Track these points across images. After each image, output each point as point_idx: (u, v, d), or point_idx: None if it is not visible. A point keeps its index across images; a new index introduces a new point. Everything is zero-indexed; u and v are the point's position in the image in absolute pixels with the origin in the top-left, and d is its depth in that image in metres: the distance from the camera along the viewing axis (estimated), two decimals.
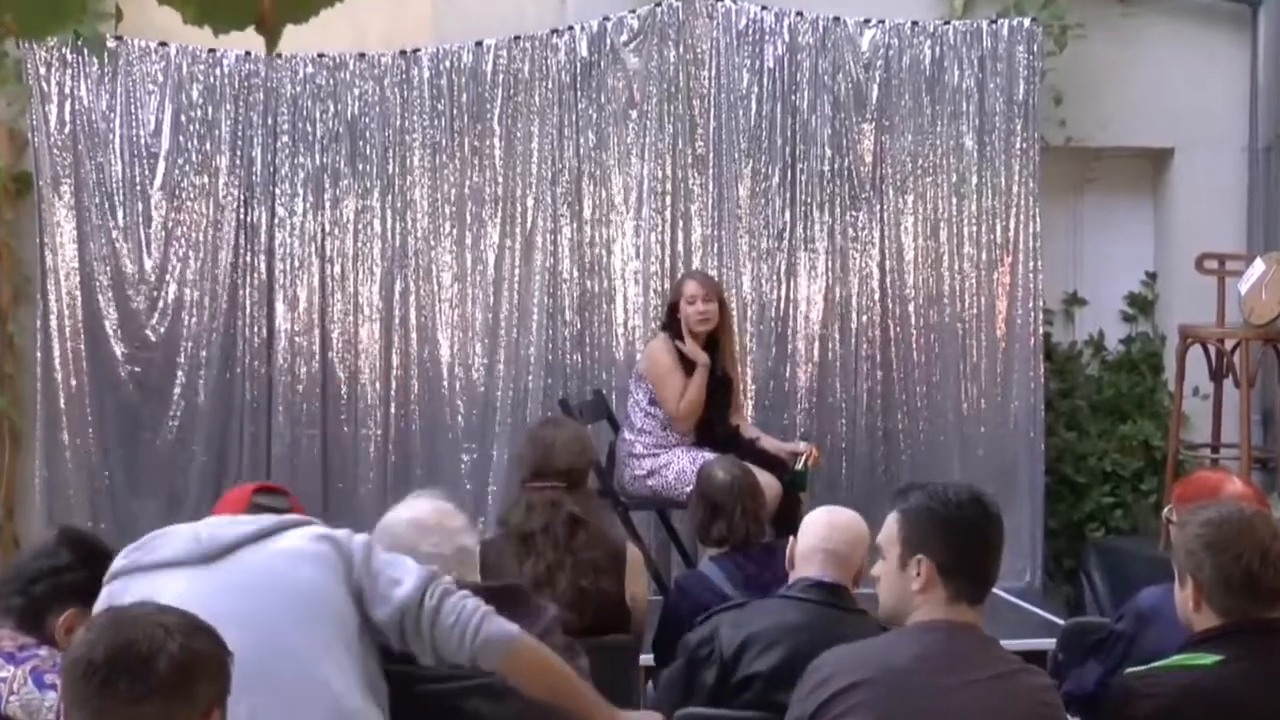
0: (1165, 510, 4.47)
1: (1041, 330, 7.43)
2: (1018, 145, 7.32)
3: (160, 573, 2.86)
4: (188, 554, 2.90)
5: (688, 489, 5.41)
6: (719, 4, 7.20)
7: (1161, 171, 8.06)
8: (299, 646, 2.81)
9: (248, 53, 7.07)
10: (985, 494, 3.06)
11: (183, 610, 2.30)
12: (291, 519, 3.09)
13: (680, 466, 6.08)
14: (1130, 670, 3.26)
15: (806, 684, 2.96)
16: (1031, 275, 7.33)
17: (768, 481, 5.59)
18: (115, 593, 2.84)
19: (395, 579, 2.96)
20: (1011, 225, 7.34)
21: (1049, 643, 5.18)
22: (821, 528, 3.87)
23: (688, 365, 6.23)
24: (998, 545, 3.01)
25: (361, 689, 2.84)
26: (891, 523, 3.03)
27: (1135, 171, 8.14)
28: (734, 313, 6.83)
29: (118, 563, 2.93)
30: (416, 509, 3.40)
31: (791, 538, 3.97)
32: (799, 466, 6.17)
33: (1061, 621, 5.70)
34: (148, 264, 7.07)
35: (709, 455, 5.83)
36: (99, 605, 2.77)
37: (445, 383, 7.19)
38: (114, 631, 2.19)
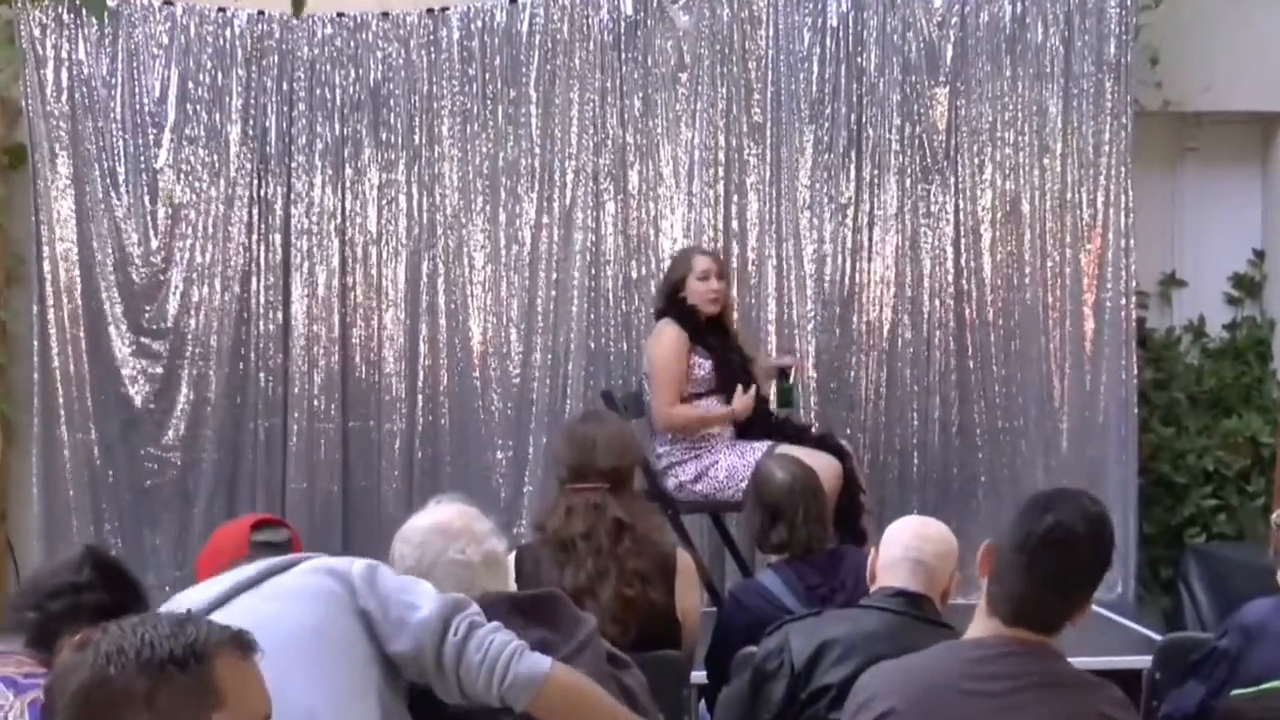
0: (1275, 514, 4.41)
1: (1135, 315, 7.37)
2: (1108, 110, 7.25)
3: None
4: None
5: (742, 486, 5.37)
6: None
7: (1270, 139, 7.97)
8: (314, 704, 2.73)
9: (261, 13, 7.09)
10: (1088, 509, 2.99)
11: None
12: (281, 561, 3.02)
13: (729, 464, 6.03)
14: (1238, 692, 3.22)
15: (850, 706, 2.98)
16: (1124, 254, 7.26)
17: (823, 464, 5.54)
18: None
19: (409, 603, 2.90)
20: (1101, 199, 7.28)
21: (1144, 660, 5.00)
22: (909, 537, 3.87)
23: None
24: (1077, 575, 2.95)
25: None
26: None
27: (1240, 139, 8.04)
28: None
29: None
30: (439, 514, 3.38)
31: (872, 549, 3.97)
32: (788, 382, 6.27)
33: (1158, 637, 5.60)
34: (153, 244, 7.09)
35: (756, 447, 5.83)
36: None
37: (477, 373, 7.18)
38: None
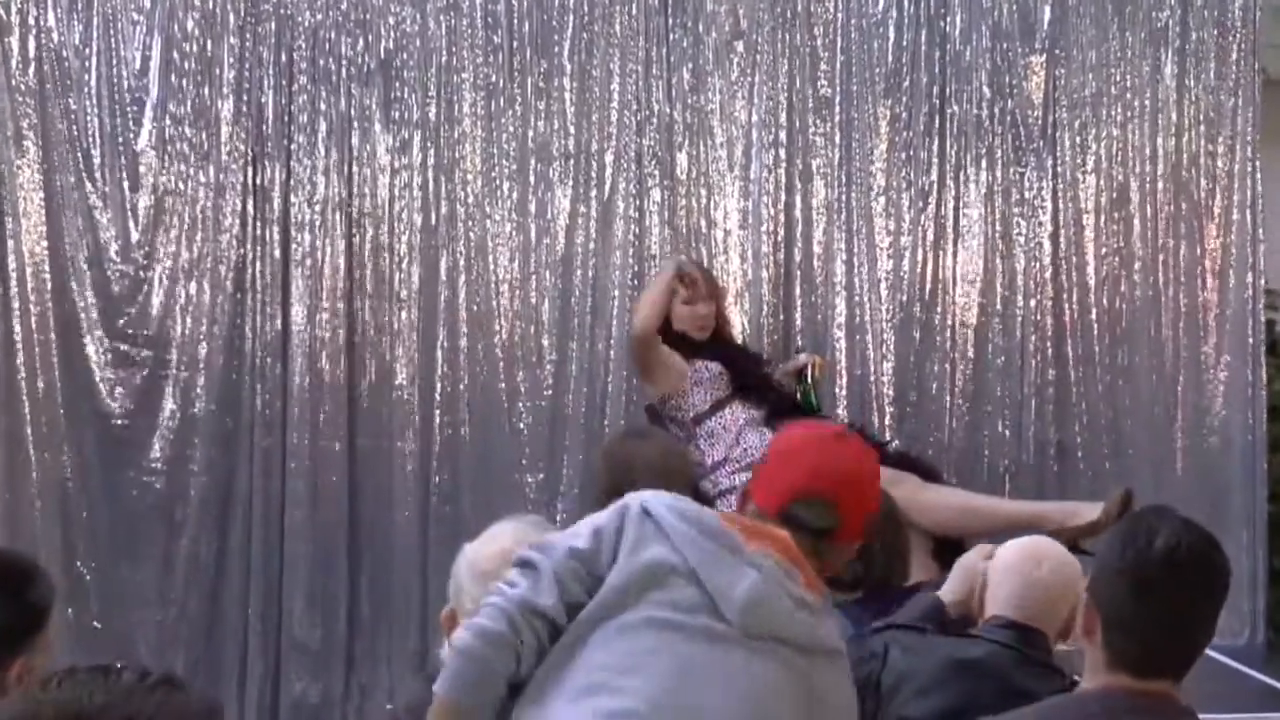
0: None
1: (1263, 317, 7.37)
2: (1231, 80, 7.27)
3: None
4: None
5: None
6: None
7: None
8: None
9: None
10: (1201, 539, 2.91)
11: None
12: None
13: None
14: None
15: None
16: (1249, 246, 7.26)
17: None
18: None
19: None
20: (1223, 183, 7.29)
21: (1276, 718, 5.21)
22: (1021, 561, 3.77)
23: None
24: (1191, 612, 2.88)
25: None
26: None
27: None
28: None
29: None
30: (501, 538, 3.28)
31: (980, 578, 3.88)
32: (807, 383, 6.29)
33: None
34: (133, 238, 6.95)
35: None
36: None
37: (503, 384, 7.06)
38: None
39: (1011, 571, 3.75)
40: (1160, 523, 2.86)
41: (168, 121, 6.96)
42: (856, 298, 7.14)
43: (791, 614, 2.76)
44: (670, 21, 7.11)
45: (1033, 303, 7.23)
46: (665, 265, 6.49)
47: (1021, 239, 7.23)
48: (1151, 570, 2.80)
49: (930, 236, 7.20)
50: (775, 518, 2.98)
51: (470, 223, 7.08)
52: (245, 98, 6.99)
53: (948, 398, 7.20)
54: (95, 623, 6.71)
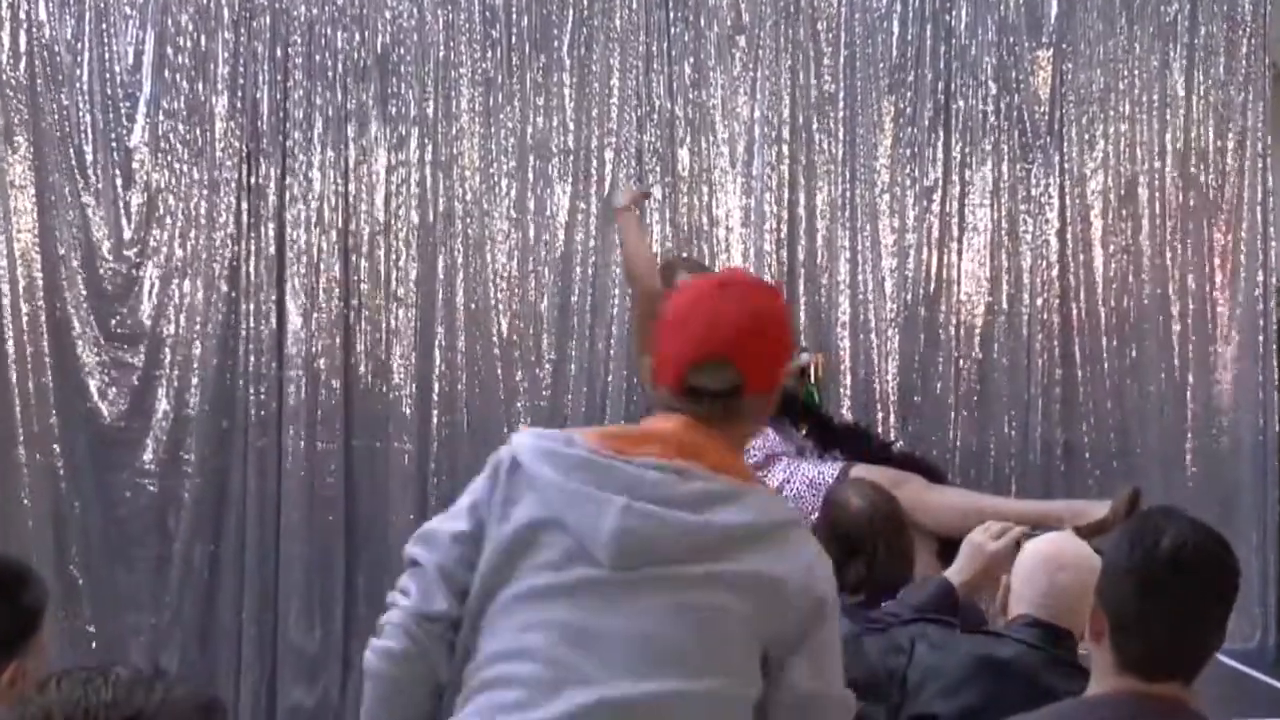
0: None
1: (1274, 315, 7.30)
2: (1241, 75, 7.24)
3: None
4: None
5: (812, 517, 5.13)
6: None
7: None
8: None
9: None
10: (1209, 539, 2.90)
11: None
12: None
13: (796, 490, 5.80)
14: None
15: None
16: (1260, 242, 7.22)
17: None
18: None
19: None
20: (1233, 178, 7.25)
21: None
22: (1046, 560, 3.77)
23: None
24: (1200, 612, 2.86)
25: None
26: None
27: None
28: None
29: None
30: None
31: (1005, 577, 3.87)
32: (809, 381, 6.24)
33: None
34: (125, 236, 6.96)
35: (825, 471, 5.73)
36: None
37: (501, 384, 7.05)
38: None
39: (1037, 571, 3.74)
40: (1168, 523, 2.85)
41: (161, 117, 6.97)
42: (860, 296, 7.13)
43: (676, 526, 2.68)
44: (671, 15, 7.09)
45: (1039, 301, 7.22)
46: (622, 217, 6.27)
47: (1028, 236, 7.22)
48: (1158, 571, 2.78)
49: (935, 234, 7.19)
50: (681, 393, 2.88)
51: (468, 220, 7.08)
52: (240, 93, 6.99)
53: (953, 397, 7.19)
54: (88, 626, 6.70)
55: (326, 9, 7.01)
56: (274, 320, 7.00)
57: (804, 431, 6.16)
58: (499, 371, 7.05)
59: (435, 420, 7.03)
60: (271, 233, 7.00)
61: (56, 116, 6.89)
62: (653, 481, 2.70)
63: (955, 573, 4.05)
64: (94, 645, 6.65)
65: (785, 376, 3.01)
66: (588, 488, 2.69)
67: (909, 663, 3.67)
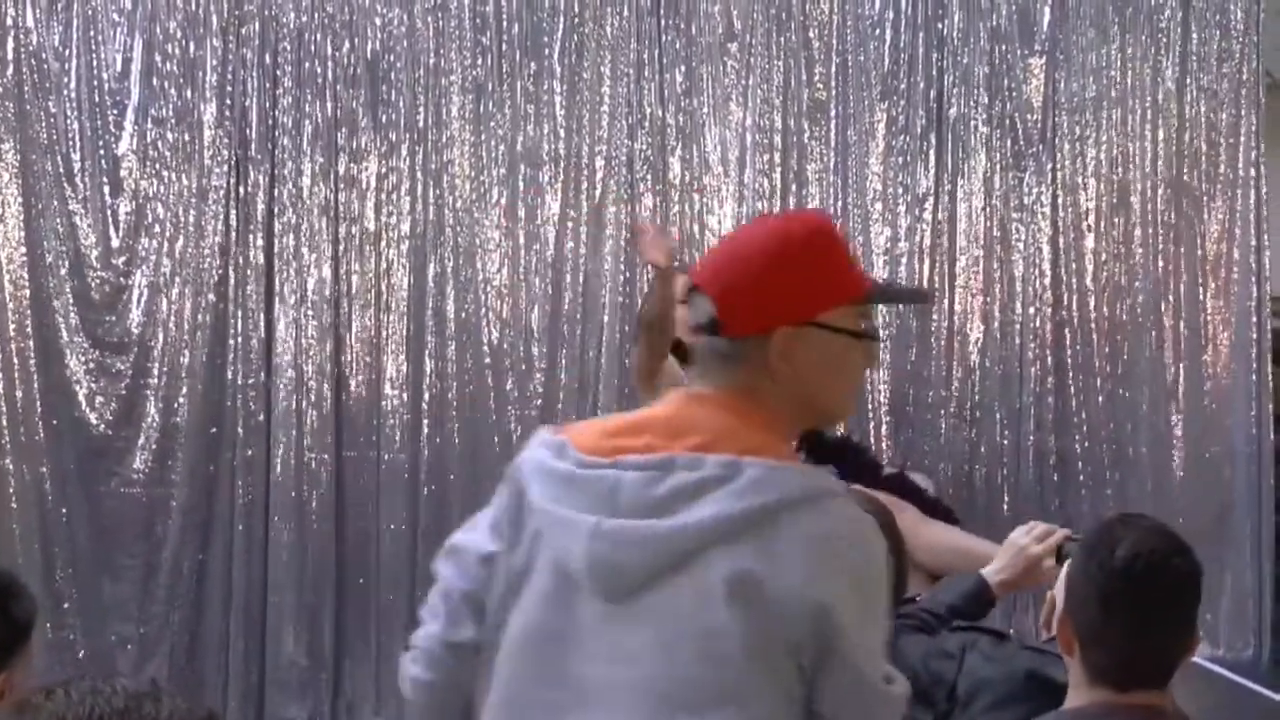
0: None
1: (1269, 325, 7.26)
2: (1236, 83, 7.22)
3: None
4: None
5: None
6: None
7: None
8: None
9: None
10: (1153, 523, 2.96)
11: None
12: None
13: None
14: None
15: None
16: (1253, 253, 7.19)
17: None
18: None
19: None
20: (1227, 188, 7.23)
21: None
22: None
23: None
24: (1160, 620, 2.87)
25: None
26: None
27: None
28: None
29: None
30: None
31: (1050, 594, 3.76)
32: None
33: None
34: (113, 244, 6.98)
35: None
36: None
37: (492, 394, 7.04)
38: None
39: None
40: (1125, 531, 2.86)
41: (149, 125, 6.99)
42: None
43: (646, 539, 2.38)
44: (662, 23, 7.09)
45: (1031, 309, 7.21)
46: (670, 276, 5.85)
47: (1020, 245, 7.21)
48: (1115, 582, 2.80)
49: (927, 242, 7.19)
50: (693, 329, 2.60)
51: (459, 228, 7.08)
52: (229, 101, 7.01)
53: (944, 407, 7.18)
54: (73, 636, 6.69)
55: (316, 16, 7.02)
56: (263, 329, 7.01)
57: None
58: (489, 380, 7.04)
59: (426, 429, 7.02)
60: (260, 241, 7.02)
61: (44, 124, 6.90)
62: (631, 484, 2.42)
63: (993, 571, 4.03)
64: (81, 655, 6.62)
65: (806, 322, 2.52)
66: (563, 509, 2.45)
67: (959, 671, 3.64)
